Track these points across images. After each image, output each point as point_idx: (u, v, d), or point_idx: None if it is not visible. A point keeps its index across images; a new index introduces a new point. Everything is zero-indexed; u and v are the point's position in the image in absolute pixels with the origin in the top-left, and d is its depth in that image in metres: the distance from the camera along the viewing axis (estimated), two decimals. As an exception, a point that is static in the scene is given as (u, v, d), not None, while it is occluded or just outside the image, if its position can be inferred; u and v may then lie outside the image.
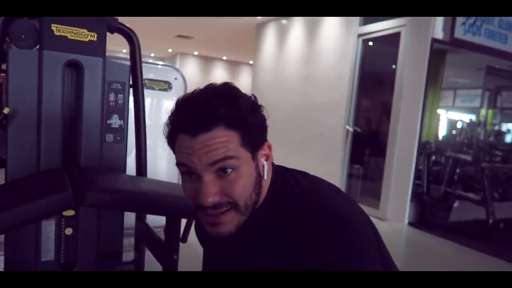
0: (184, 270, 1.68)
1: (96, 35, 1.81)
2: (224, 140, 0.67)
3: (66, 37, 1.75)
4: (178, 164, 0.72)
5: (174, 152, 0.74)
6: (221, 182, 0.69)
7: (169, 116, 0.73)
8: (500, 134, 6.13)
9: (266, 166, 0.75)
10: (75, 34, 1.76)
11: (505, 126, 6.29)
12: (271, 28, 6.81)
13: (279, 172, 0.80)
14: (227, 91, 0.72)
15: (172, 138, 0.73)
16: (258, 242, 0.77)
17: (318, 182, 0.82)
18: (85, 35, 1.78)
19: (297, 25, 6.06)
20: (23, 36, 1.70)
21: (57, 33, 1.73)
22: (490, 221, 3.89)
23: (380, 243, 0.81)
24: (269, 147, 0.77)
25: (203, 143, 0.67)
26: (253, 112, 0.71)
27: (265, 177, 0.75)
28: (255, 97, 0.75)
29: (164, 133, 0.74)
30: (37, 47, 1.74)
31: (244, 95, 0.73)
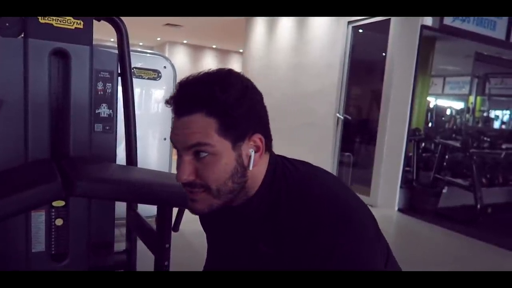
0: (176, 259, 1.69)
1: (82, 23, 1.77)
2: (201, 126, 0.71)
3: (51, 25, 1.71)
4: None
5: None
6: (197, 164, 0.73)
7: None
8: (488, 120, 6.20)
9: (253, 157, 0.76)
10: (60, 22, 1.72)
11: (493, 113, 6.37)
12: (261, 17, 6.75)
13: (279, 161, 0.82)
14: (217, 78, 0.73)
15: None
16: (260, 228, 0.79)
17: (318, 171, 0.84)
18: (71, 22, 1.74)
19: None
20: (7, 24, 1.66)
21: (42, 21, 1.69)
22: (478, 206, 3.95)
23: (378, 231, 0.83)
24: (261, 140, 0.77)
25: (183, 125, 0.72)
26: (238, 104, 0.72)
27: (250, 168, 0.76)
28: (251, 87, 0.76)
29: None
30: (22, 35, 1.70)
31: (236, 84, 0.73)
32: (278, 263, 0.75)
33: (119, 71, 1.95)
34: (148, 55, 3.23)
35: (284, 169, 0.80)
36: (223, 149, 0.72)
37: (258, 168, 0.78)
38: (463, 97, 5.73)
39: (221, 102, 0.71)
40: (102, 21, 1.93)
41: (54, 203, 1.80)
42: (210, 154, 0.72)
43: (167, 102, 0.76)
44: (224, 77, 0.74)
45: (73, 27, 1.75)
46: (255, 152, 0.76)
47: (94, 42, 1.85)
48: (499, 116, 6.43)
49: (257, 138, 0.76)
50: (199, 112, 0.71)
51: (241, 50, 10.11)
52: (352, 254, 0.70)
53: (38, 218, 1.80)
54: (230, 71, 0.76)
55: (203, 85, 0.72)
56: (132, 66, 2.10)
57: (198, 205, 0.76)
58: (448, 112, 6.05)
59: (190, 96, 0.72)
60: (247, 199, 0.79)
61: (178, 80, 0.77)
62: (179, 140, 0.73)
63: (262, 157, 0.78)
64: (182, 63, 11.80)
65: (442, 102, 6.10)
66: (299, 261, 0.71)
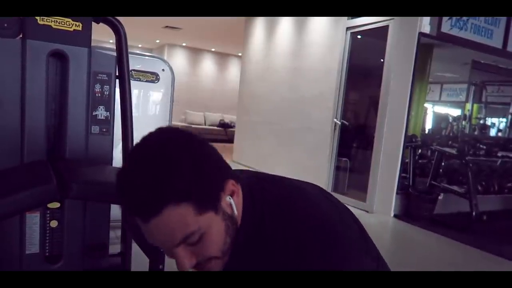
0: (171, 263, 1.69)
1: (81, 24, 1.77)
2: (177, 219, 0.64)
3: (50, 26, 1.71)
4: None
5: None
6: (193, 248, 0.68)
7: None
8: (485, 128, 6.23)
9: (233, 204, 0.72)
10: (59, 23, 1.73)
11: (490, 120, 6.39)
12: (260, 20, 6.77)
13: (255, 186, 0.78)
14: (162, 163, 0.64)
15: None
16: (243, 259, 0.75)
17: (293, 187, 0.81)
18: (69, 24, 1.75)
19: (286, 18, 6.04)
20: (6, 25, 1.66)
21: (40, 22, 1.69)
22: (474, 213, 3.97)
23: (366, 235, 0.81)
24: (233, 184, 0.72)
25: (158, 229, 0.65)
26: (197, 175, 0.65)
27: (236, 212, 0.72)
28: (192, 146, 0.68)
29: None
30: (20, 36, 1.70)
31: (182, 156, 0.65)
32: None
33: (117, 73, 1.95)
34: (146, 57, 3.24)
35: (263, 192, 0.76)
36: (210, 222, 0.67)
37: (238, 206, 0.74)
38: (460, 104, 5.76)
39: (184, 185, 0.63)
40: (101, 23, 1.93)
41: (49, 205, 1.80)
42: (202, 234, 0.67)
43: (123, 204, 0.68)
44: (164, 158, 0.64)
45: (71, 29, 1.75)
46: (231, 197, 0.72)
47: (92, 43, 1.85)
48: (496, 124, 6.46)
49: (229, 184, 0.72)
50: (167, 205, 0.63)
51: (239, 54, 10.13)
52: (341, 266, 0.69)
53: (33, 220, 1.79)
54: (165, 142, 0.67)
55: (154, 178, 0.63)
56: (130, 68, 2.10)
57: (213, 270, 0.73)
58: (444, 119, 6.07)
59: (148, 196, 0.63)
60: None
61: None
62: (161, 243, 0.68)
63: (239, 195, 0.74)
64: (181, 65, 11.80)
65: (439, 109, 6.13)
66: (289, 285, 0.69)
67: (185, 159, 0.65)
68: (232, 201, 0.72)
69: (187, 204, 0.64)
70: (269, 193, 0.76)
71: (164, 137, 0.69)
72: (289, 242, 0.70)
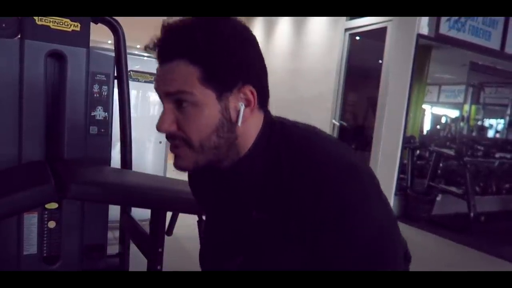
0: (169, 263, 1.68)
1: (79, 25, 1.77)
2: (182, 74, 0.66)
3: (48, 26, 1.71)
4: None
5: None
6: (178, 114, 0.68)
7: None
8: (483, 129, 6.25)
9: (242, 111, 0.69)
10: (57, 24, 1.72)
11: (487, 122, 6.42)
12: (259, 21, 6.78)
13: (276, 121, 0.77)
14: (203, 25, 0.68)
15: None
16: (253, 193, 0.73)
17: (321, 131, 0.80)
18: (68, 25, 1.75)
19: (284, 19, 6.05)
20: (4, 25, 1.66)
21: (39, 23, 1.69)
22: (471, 214, 3.97)
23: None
24: (252, 92, 0.70)
25: (165, 72, 0.68)
26: (223, 52, 0.66)
27: (239, 123, 0.69)
28: (242, 36, 0.70)
29: None
30: (19, 36, 1.70)
31: (224, 31, 0.68)
32: (274, 229, 0.69)
33: (115, 74, 1.95)
34: (145, 58, 3.24)
35: (283, 129, 0.75)
36: (205, 99, 0.67)
37: (249, 125, 0.71)
38: (458, 106, 5.78)
39: (204, 50, 0.66)
40: (99, 23, 1.93)
41: (47, 205, 1.79)
42: (192, 104, 0.67)
43: (148, 47, 0.72)
44: (210, 24, 0.68)
45: (70, 29, 1.75)
46: (245, 106, 0.69)
47: (91, 44, 1.85)
48: (493, 125, 6.48)
49: (248, 90, 0.69)
50: (181, 59, 0.66)
51: (238, 55, 10.11)
52: (364, 213, 0.66)
53: (31, 220, 1.78)
54: (221, 19, 0.70)
55: (186, 31, 0.67)
56: (129, 69, 2.10)
57: (181, 161, 0.71)
58: (443, 120, 6.09)
59: (171, 42, 0.67)
60: (237, 160, 0.72)
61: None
62: (160, 87, 0.69)
63: (254, 113, 0.71)
64: (179, 66, 11.79)
65: (437, 110, 6.14)
66: (303, 225, 0.66)
67: (222, 36, 0.67)
68: (242, 109, 0.69)
69: (197, 67, 0.66)
70: (291, 133, 0.74)
71: (222, 17, 0.72)
72: (306, 181, 0.67)
